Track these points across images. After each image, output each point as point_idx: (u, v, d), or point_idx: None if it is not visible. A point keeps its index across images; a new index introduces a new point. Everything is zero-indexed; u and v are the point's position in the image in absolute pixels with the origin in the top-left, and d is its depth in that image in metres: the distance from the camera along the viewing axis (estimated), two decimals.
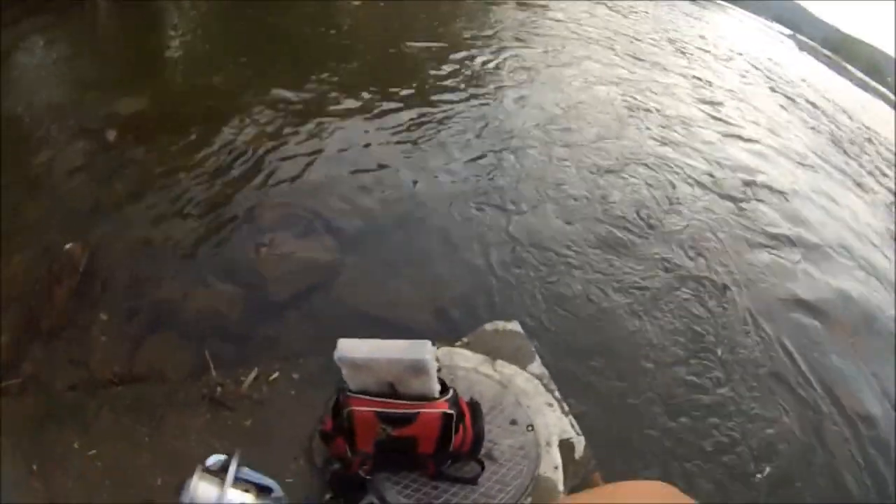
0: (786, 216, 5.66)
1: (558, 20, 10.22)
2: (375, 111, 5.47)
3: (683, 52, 10.64)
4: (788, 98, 10.42)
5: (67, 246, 3.18)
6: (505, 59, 7.59)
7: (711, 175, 5.96)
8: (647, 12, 13.02)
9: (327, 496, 1.84)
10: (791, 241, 5.23)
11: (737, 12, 17.89)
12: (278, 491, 1.29)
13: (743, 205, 5.58)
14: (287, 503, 1.33)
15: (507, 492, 1.86)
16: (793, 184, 6.50)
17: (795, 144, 8.00)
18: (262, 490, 1.26)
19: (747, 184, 6.05)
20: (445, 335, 2.90)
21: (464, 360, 2.30)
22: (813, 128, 9.39)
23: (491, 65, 7.32)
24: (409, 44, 7.32)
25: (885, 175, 8.70)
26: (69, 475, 2.02)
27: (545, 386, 2.32)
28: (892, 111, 14.07)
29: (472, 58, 7.34)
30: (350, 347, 1.59)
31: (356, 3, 8.96)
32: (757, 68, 11.61)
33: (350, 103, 5.50)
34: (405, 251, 3.85)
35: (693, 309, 3.97)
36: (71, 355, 2.71)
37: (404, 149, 4.98)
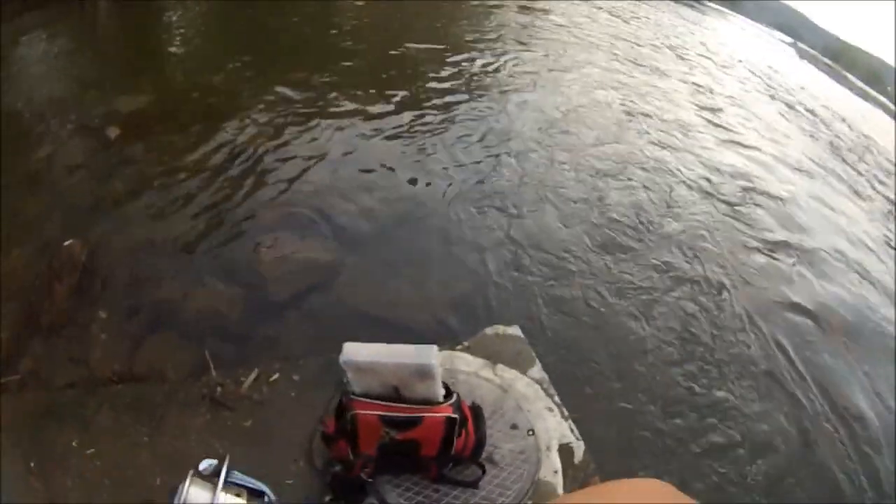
0: (782, 221, 5.68)
1: (559, 24, 10.23)
2: (376, 112, 5.48)
3: (683, 58, 10.66)
4: (788, 105, 10.45)
5: (67, 243, 3.18)
6: (506, 62, 7.60)
7: (709, 180, 5.98)
8: (648, 18, 13.05)
9: (327, 498, 1.84)
10: (787, 246, 5.25)
11: (737, 19, 17.94)
12: (270, 495, 1.29)
13: (740, 209, 5.60)
14: None
15: (507, 495, 1.87)
16: (790, 190, 6.51)
17: (794, 152, 8.02)
18: (253, 494, 1.26)
19: (745, 189, 6.07)
20: (445, 337, 2.91)
21: (465, 364, 2.30)
22: (812, 135, 9.41)
23: (492, 67, 7.33)
24: (409, 45, 7.32)
25: (882, 183, 8.72)
26: (68, 474, 2.01)
27: (545, 390, 2.33)
28: (892, 120, 14.12)
29: (473, 60, 7.34)
30: (355, 351, 1.60)
31: (359, 2, 8.96)
32: (757, 75, 11.64)
33: (351, 104, 5.50)
34: (405, 252, 3.85)
35: (690, 311, 4.00)
36: (70, 353, 2.71)
37: (405, 150, 4.98)
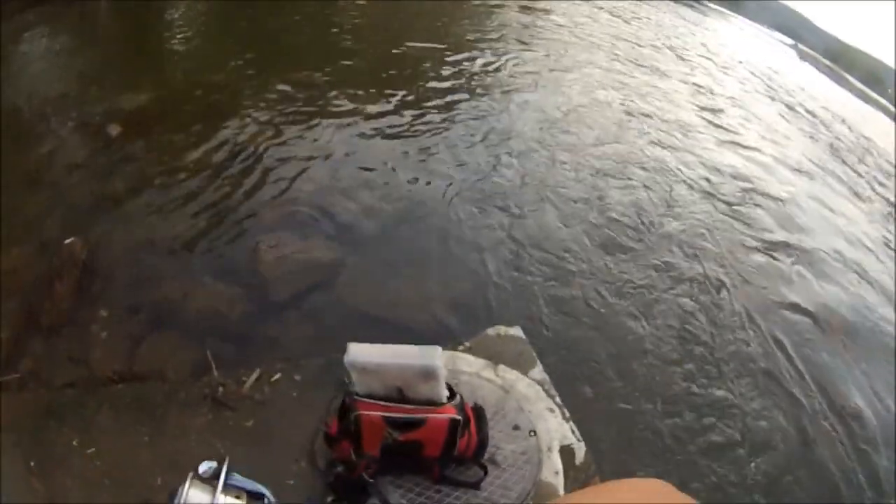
0: (782, 222, 5.69)
1: (561, 24, 10.23)
2: (377, 111, 5.47)
3: (684, 59, 10.66)
4: (788, 107, 10.45)
5: (68, 241, 3.17)
6: (507, 62, 7.59)
7: (709, 180, 5.99)
8: (649, 18, 13.04)
9: (329, 499, 1.84)
10: (787, 246, 5.27)
11: (738, 20, 17.93)
12: (270, 497, 1.29)
13: (740, 210, 5.61)
14: None
15: (509, 496, 1.87)
16: (790, 191, 6.52)
17: (794, 153, 8.03)
18: (253, 496, 1.26)
19: (745, 189, 6.08)
20: (446, 337, 2.92)
21: (466, 364, 2.30)
22: (812, 137, 9.41)
23: (493, 67, 7.32)
24: (410, 44, 7.32)
25: (882, 185, 8.73)
26: (69, 474, 2.01)
27: (546, 391, 2.33)
28: (892, 122, 14.12)
29: (474, 60, 7.34)
30: (359, 352, 1.59)
31: (360, 1, 8.95)
32: (757, 76, 11.63)
33: (351, 103, 5.49)
34: (406, 252, 3.86)
35: (689, 310, 4.01)
36: (71, 352, 2.70)
37: (405, 149, 4.98)
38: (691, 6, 16.48)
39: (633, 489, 0.68)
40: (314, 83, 5.76)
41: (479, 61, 7.35)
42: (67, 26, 6.07)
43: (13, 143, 3.93)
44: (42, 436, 2.10)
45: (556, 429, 2.19)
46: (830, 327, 4.38)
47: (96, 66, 5.39)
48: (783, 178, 6.86)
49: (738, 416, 3.33)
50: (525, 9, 10.47)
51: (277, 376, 2.37)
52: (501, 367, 2.34)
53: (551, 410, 2.25)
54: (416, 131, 5.30)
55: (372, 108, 5.48)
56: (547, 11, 10.75)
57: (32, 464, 2.02)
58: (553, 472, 2.04)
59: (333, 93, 5.61)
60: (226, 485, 1.19)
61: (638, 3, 13.91)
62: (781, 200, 6.18)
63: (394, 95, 5.84)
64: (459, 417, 1.63)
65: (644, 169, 5.73)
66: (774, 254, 5.08)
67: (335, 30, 7.62)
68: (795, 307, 4.46)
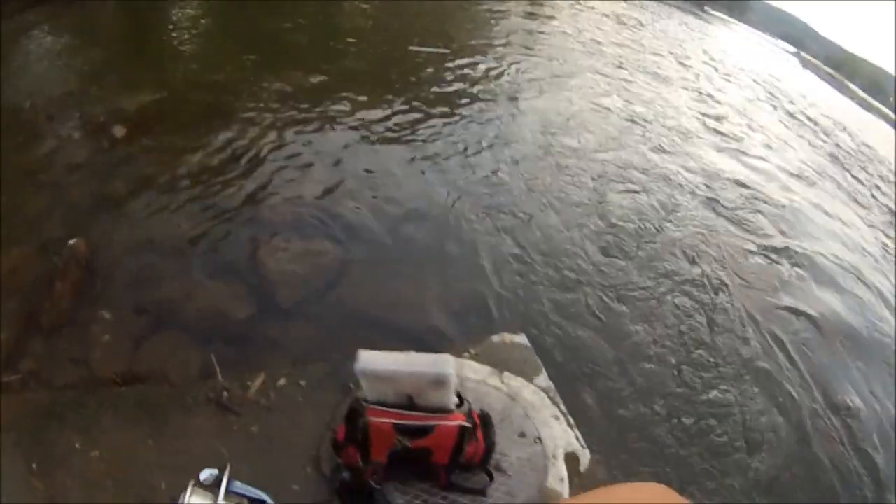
0: (782, 227, 5.73)
1: (565, 31, 10.27)
2: (380, 114, 5.48)
3: (687, 66, 10.69)
4: (789, 114, 10.48)
5: (71, 241, 3.16)
6: (511, 67, 7.61)
7: (710, 186, 6.02)
8: (653, 26, 13.09)
9: None
10: (787, 251, 5.31)
11: (741, 28, 18.00)
12: None
13: (741, 215, 5.64)
14: None
15: (514, 503, 1.86)
16: (790, 197, 6.56)
17: (794, 160, 8.06)
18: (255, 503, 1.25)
19: (745, 195, 6.11)
20: (451, 343, 2.93)
21: (472, 371, 2.30)
22: (813, 144, 9.45)
23: (496, 72, 7.34)
24: (413, 48, 7.33)
25: (882, 192, 8.76)
26: (70, 475, 2.00)
27: (551, 399, 2.33)
28: (893, 130, 14.16)
29: (478, 64, 7.35)
30: (371, 359, 1.59)
31: (363, 4, 8.96)
32: (759, 84, 11.67)
33: (354, 106, 5.50)
34: (409, 255, 3.85)
35: (690, 314, 4.04)
36: (72, 353, 2.69)
37: (408, 153, 4.98)
38: (695, 14, 16.54)
39: (633, 493, 0.69)
40: (317, 85, 5.77)
41: (483, 66, 7.36)
42: (69, 26, 6.07)
43: (14, 142, 3.93)
44: (43, 437, 2.09)
45: (561, 436, 2.18)
46: (829, 330, 4.42)
47: (98, 65, 5.38)
48: (784, 185, 6.89)
49: (738, 418, 3.36)
50: (529, 15, 10.51)
51: (282, 381, 2.36)
52: (507, 374, 2.34)
53: (556, 418, 2.25)
54: (418, 135, 5.30)
55: (375, 112, 5.48)
56: (551, 18, 10.79)
57: (34, 465, 2.01)
58: (558, 478, 2.03)
59: (336, 95, 5.61)
60: (227, 492, 1.19)
61: (642, 10, 13.97)
62: (782, 206, 6.21)
63: (397, 99, 5.85)
64: (469, 425, 1.63)
65: (646, 174, 5.75)
66: (774, 258, 5.12)
67: (338, 32, 7.65)
68: (795, 311, 4.49)
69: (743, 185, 6.35)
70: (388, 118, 5.45)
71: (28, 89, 4.68)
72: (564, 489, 2.02)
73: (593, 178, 5.38)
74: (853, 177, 8.77)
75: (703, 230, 5.11)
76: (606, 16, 12.30)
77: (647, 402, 3.24)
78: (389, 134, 5.20)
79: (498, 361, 2.40)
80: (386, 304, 3.35)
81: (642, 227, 4.83)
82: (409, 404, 1.61)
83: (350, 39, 7.39)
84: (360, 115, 5.36)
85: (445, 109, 5.90)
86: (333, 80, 5.93)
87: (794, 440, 3.37)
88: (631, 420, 3.12)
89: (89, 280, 3.07)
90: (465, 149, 5.24)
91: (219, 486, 1.19)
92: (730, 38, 16.20)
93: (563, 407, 2.31)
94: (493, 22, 9.64)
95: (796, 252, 5.34)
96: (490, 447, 1.79)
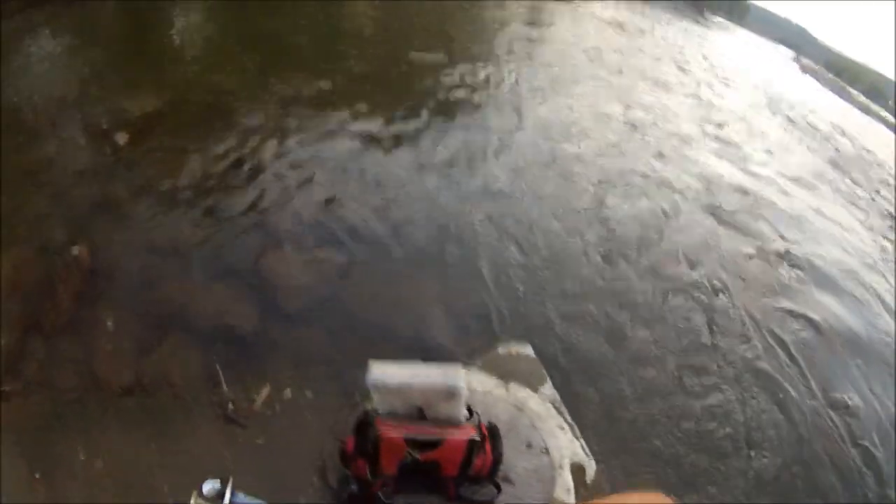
0: (781, 232, 5.72)
1: (565, 38, 10.29)
2: (381, 120, 5.48)
3: (687, 72, 10.69)
4: (789, 119, 10.49)
5: (74, 248, 3.16)
6: (511, 74, 7.63)
7: (710, 191, 6.02)
8: (653, 32, 13.08)
9: None
10: (786, 255, 5.30)
11: (741, 33, 17.97)
12: None
13: (740, 220, 5.64)
14: None
15: None
16: (790, 202, 6.56)
17: (794, 165, 8.06)
18: None
19: (745, 200, 6.12)
20: (456, 351, 2.93)
21: (479, 382, 2.31)
22: (813, 149, 9.45)
23: (497, 79, 7.35)
24: (416, 54, 7.35)
25: (883, 196, 8.76)
26: (72, 482, 2.00)
27: (557, 409, 2.34)
28: (893, 134, 14.15)
29: (479, 72, 7.36)
30: (382, 372, 1.60)
31: (370, 12, 8.99)
32: (759, 89, 11.67)
33: (356, 111, 5.49)
34: (413, 264, 3.84)
35: (691, 318, 4.06)
36: (75, 359, 2.68)
37: (410, 160, 4.99)
38: (695, 20, 16.54)
39: (636, 500, 0.69)
40: (319, 91, 5.78)
41: (483, 73, 7.37)
42: (69, 26, 6.07)
43: (15, 145, 3.93)
44: (46, 446, 2.10)
45: (567, 446, 2.19)
46: (829, 331, 4.43)
47: (99, 67, 5.38)
48: (783, 189, 6.89)
49: (739, 418, 3.38)
50: (530, 22, 10.52)
51: (288, 392, 2.37)
52: (513, 384, 2.35)
53: (562, 428, 2.26)
54: (420, 141, 5.31)
55: (377, 118, 5.49)
56: (552, 25, 10.81)
57: (37, 475, 2.01)
58: (565, 489, 2.04)
59: (338, 101, 5.61)
60: None
61: (642, 17, 13.98)
62: (782, 210, 6.21)
63: (398, 105, 5.86)
64: (478, 437, 1.63)
65: (647, 181, 5.76)
66: (775, 262, 5.13)
67: (341, 37, 7.67)
68: (795, 313, 4.50)
69: (743, 189, 6.36)
70: (390, 125, 5.45)
71: (29, 91, 4.69)
72: (571, 500, 2.02)
73: (594, 184, 5.39)
74: (853, 181, 8.77)
75: (704, 235, 5.12)
76: (607, 22, 12.32)
77: (650, 406, 3.26)
78: (392, 140, 5.19)
79: (504, 372, 2.41)
80: (389, 313, 3.35)
81: (643, 232, 4.85)
82: (420, 416, 1.61)
83: (353, 46, 7.37)
84: (362, 121, 5.36)
85: (447, 116, 5.91)
86: (335, 85, 5.94)
87: (794, 440, 3.39)
88: (633, 423, 3.13)
89: (92, 285, 3.07)
90: (468, 156, 5.24)
91: (221, 497, 1.20)
92: (730, 43, 16.18)
93: (568, 417, 2.32)
94: (493, 28, 9.66)
95: (796, 255, 5.34)
96: (498, 459, 1.80)
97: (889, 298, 5.33)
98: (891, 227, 7.53)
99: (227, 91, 5.40)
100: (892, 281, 5.76)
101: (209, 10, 7.85)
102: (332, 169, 4.55)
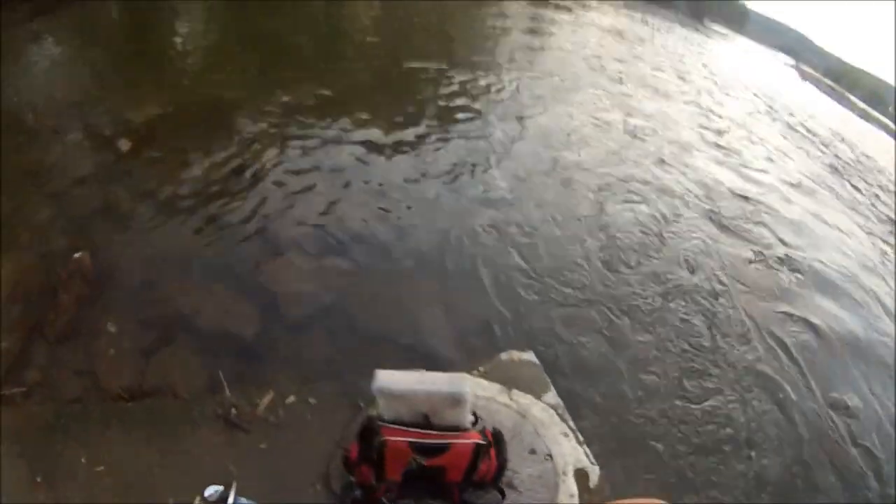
0: (781, 237, 5.77)
1: (566, 47, 10.35)
2: (383, 127, 5.51)
3: (687, 80, 10.76)
4: (789, 126, 10.54)
5: (77, 254, 3.16)
6: (512, 83, 7.67)
7: (710, 197, 6.06)
8: (653, 41, 13.18)
9: None
10: (786, 259, 5.34)
11: (741, 41, 18.09)
12: None
13: (740, 225, 5.68)
14: None
15: None
16: (789, 207, 6.60)
17: (794, 171, 8.10)
18: None
19: (745, 206, 6.16)
20: (459, 358, 2.93)
21: (481, 389, 2.31)
22: (812, 155, 9.49)
23: (498, 87, 7.40)
24: (417, 63, 7.39)
25: (882, 201, 8.79)
26: (75, 488, 1.99)
27: (560, 416, 2.33)
28: (892, 140, 14.22)
29: (480, 80, 7.41)
30: (388, 378, 1.60)
31: (369, 20, 9.03)
32: (759, 96, 11.74)
33: (357, 119, 5.53)
34: (415, 272, 3.84)
35: (692, 321, 4.07)
36: (78, 365, 2.68)
37: (412, 167, 5.01)
38: (695, 28, 16.67)
39: None
40: (321, 96, 5.82)
41: (484, 82, 7.42)
42: (71, 30, 6.11)
43: (19, 151, 3.94)
44: (48, 451, 2.10)
45: (571, 452, 2.19)
46: (829, 334, 4.45)
47: (101, 71, 5.42)
48: (783, 195, 6.93)
49: (740, 420, 3.39)
50: (532, 31, 10.59)
51: (291, 398, 2.37)
52: (515, 391, 2.35)
53: (565, 434, 2.25)
54: (422, 149, 5.33)
55: (378, 126, 5.52)
56: (553, 34, 10.88)
57: (39, 479, 2.01)
58: (568, 495, 2.04)
59: (340, 108, 5.64)
60: None
61: (643, 25, 14.09)
62: (782, 216, 6.25)
63: (400, 113, 5.90)
64: (484, 443, 1.64)
65: (647, 187, 5.79)
66: (775, 266, 5.17)
67: (345, 46, 7.71)
68: (795, 316, 4.53)
69: (743, 196, 6.39)
70: (391, 132, 5.48)
71: (32, 96, 4.71)
72: None
73: (595, 192, 5.41)
74: (853, 186, 8.82)
75: (705, 240, 5.15)
76: (607, 31, 12.39)
77: (651, 409, 3.26)
78: (393, 148, 5.22)
79: (507, 379, 2.41)
80: (392, 320, 3.35)
81: (644, 238, 4.87)
82: (426, 423, 1.62)
83: (356, 54, 7.47)
84: (363, 129, 5.39)
85: (448, 124, 5.94)
86: (337, 93, 5.97)
87: (794, 440, 3.41)
88: (635, 427, 3.13)
89: (96, 292, 3.06)
90: (469, 164, 5.26)
91: (224, 502, 1.20)
92: (729, 51, 16.30)
93: (571, 424, 2.31)
94: (496, 38, 9.72)
95: (796, 260, 5.38)
96: (502, 465, 1.80)
97: (889, 301, 5.38)
98: (891, 231, 7.56)
99: (228, 95, 5.43)
100: (893, 284, 5.78)
101: (210, 11, 7.89)
102: (334, 178, 4.56)
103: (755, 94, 11.81)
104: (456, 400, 1.60)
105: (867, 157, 10.99)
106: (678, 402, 3.37)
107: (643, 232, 4.95)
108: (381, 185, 4.61)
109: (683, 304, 4.21)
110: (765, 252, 5.34)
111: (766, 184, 7.05)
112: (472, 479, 1.69)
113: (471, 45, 9.11)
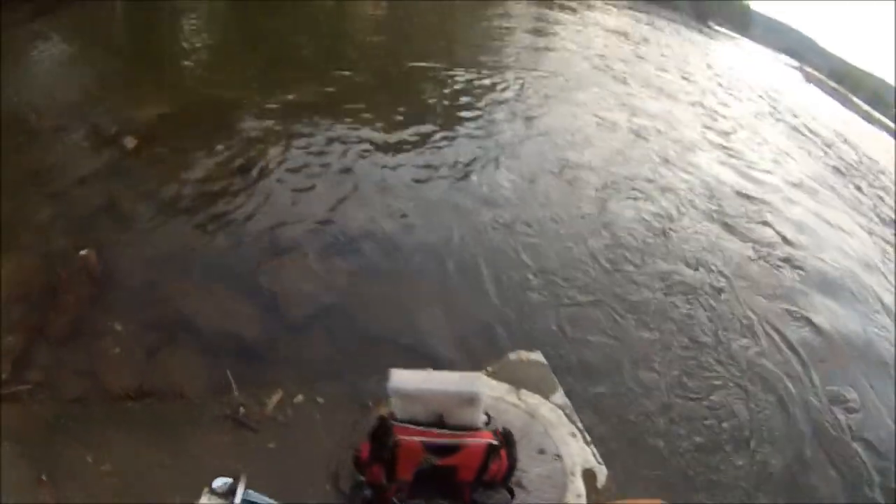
0: (784, 236, 5.79)
1: (571, 47, 10.34)
2: (386, 127, 5.53)
3: (691, 81, 10.75)
4: (792, 127, 10.53)
5: (82, 252, 3.16)
6: (517, 83, 7.67)
7: (713, 197, 6.08)
8: (658, 42, 13.16)
9: None
10: (790, 260, 5.37)
11: (745, 43, 18.08)
12: None
13: (743, 225, 5.70)
14: None
15: None
16: (792, 208, 6.62)
17: (797, 172, 8.10)
18: None
19: (748, 206, 6.18)
20: (465, 357, 2.94)
21: (490, 389, 2.30)
22: (815, 156, 9.49)
23: (502, 87, 7.39)
24: (421, 63, 7.38)
25: (885, 203, 8.80)
26: (79, 489, 1.99)
27: (568, 416, 2.33)
28: (894, 141, 14.20)
29: (485, 80, 7.40)
30: (403, 378, 1.60)
31: (374, 12, 9.02)
32: (763, 98, 11.74)
33: (361, 120, 5.53)
34: (420, 271, 3.85)
35: (695, 320, 4.10)
36: (80, 365, 2.68)
37: (416, 167, 5.02)
38: (699, 29, 16.66)
39: None
40: (323, 95, 5.84)
41: (489, 81, 7.41)
42: (74, 35, 6.11)
43: (20, 151, 3.95)
44: (52, 450, 2.10)
45: (579, 453, 2.19)
46: (830, 332, 4.48)
47: (105, 74, 5.42)
48: (786, 196, 6.94)
49: (742, 417, 3.42)
50: (536, 31, 10.58)
51: (300, 398, 2.36)
52: (524, 391, 2.35)
53: (573, 435, 2.25)
54: (426, 149, 5.34)
55: (381, 125, 5.52)
56: (557, 35, 10.87)
57: (43, 477, 2.01)
58: (576, 495, 2.03)
59: (343, 109, 5.65)
60: (242, 501, 1.19)
61: (647, 26, 14.07)
62: (785, 216, 6.26)
63: (403, 112, 5.90)
64: (497, 443, 1.63)
65: (651, 186, 5.81)
66: (777, 265, 5.19)
67: (346, 47, 7.70)
68: (797, 314, 4.56)
69: (746, 196, 6.40)
70: (395, 131, 5.49)
71: (33, 96, 4.73)
72: None
73: (599, 191, 5.43)
74: (855, 187, 8.83)
75: (708, 240, 5.18)
76: (611, 32, 12.38)
77: (655, 408, 3.28)
78: (396, 147, 5.23)
79: (515, 379, 2.41)
80: (397, 319, 3.36)
81: (648, 237, 4.89)
82: (439, 422, 1.61)
83: (360, 54, 7.46)
84: (367, 128, 5.40)
85: (453, 124, 5.94)
86: (342, 94, 5.98)
87: (796, 435, 3.43)
88: (638, 425, 3.16)
89: (100, 292, 3.07)
90: (473, 163, 5.27)
91: (233, 493, 1.19)
92: (733, 52, 16.28)
93: (579, 424, 2.31)
94: (500, 39, 9.71)
95: (798, 259, 5.41)
96: (513, 464, 1.79)
97: (889, 299, 5.41)
98: (892, 231, 7.56)
99: (230, 95, 5.44)
100: (893, 282, 5.80)
101: (211, 11, 7.90)
102: (336, 176, 4.57)
103: (759, 95, 11.79)
104: (471, 399, 1.59)
105: (869, 158, 11.00)
106: (681, 399, 3.40)
107: (648, 230, 4.98)
108: (383, 184, 4.62)
109: (687, 301, 4.25)
110: (768, 250, 5.37)
111: (769, 184, 7.05)
112: (483, 479, 1.68)
113: (475, 44, 9.11)
